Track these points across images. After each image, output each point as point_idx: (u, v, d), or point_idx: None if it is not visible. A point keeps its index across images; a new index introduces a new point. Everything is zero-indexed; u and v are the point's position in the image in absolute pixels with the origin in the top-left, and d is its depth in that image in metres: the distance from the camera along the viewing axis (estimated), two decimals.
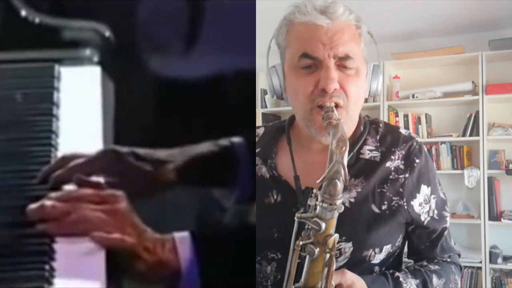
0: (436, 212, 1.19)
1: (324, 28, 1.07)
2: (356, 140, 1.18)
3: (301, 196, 1.13)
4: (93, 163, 1.18)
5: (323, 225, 0.95)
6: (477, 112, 4.06)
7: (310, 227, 0.98)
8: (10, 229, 1.12)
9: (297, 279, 1.01)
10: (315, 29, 1.08)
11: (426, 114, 4.33)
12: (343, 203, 1.10)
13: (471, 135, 4.11)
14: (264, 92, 4.92)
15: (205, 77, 1.34)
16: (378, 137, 1.20)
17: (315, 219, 0.96)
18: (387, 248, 1.15)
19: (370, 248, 1.13)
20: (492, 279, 4.03)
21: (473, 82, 4.10)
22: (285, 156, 1.23)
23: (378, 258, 1.14)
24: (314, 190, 0.98)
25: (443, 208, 1.21)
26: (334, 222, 0.97)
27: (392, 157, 1.16)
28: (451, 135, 4.21)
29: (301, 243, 0.97)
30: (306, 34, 1.09)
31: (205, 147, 1.21)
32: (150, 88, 1.33)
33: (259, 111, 4.86)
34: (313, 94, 1.09)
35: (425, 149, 1.21)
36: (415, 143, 1.19)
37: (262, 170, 1.24)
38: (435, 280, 1.16)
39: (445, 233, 1.23)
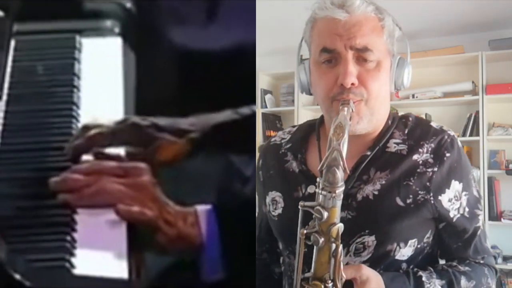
0: (467, 210, 1.15)
1: (341, 21, 1.08)
2: (383, 134, 1.17)
3: None
4: (113, 134, 1.17)
5: (325, 214, 0.95)
6: (477, 112, 4.07)
7: (314, 216, 0.98)
8: (32, 201, 1.11)
9: (308, 269, 1.01)
10: (333, 23, 1.09)
11: (426, 114, 4.33)
12: (367, 196, 1.11)
13: (471, 135, 4.12)
14: (264, 92, 4.92)
15: (224, 50, 1.35)
16: (406, 131, 1.18)
17: (318, 207, 0.96)
18: (412, 243, 1.12)
19: (394, 242, 1.10)
20: None
21: (473, 82, 4.11)
22: (315, 151, 1.24)
23: (404, 253, 1.12)
24: (318, 179, 0.97)
25: (475, 206, 1.17)
26: (336, 210, 0.96)
27: (420, 150, 1.14)
28: None
29: (305, 231, 0.98)
30: (325, 28, 1.11)
31: (226, 115, 1.21)
32: (171, 59, 1.32)
33: (259, 111, 4.85)
34: (332, 90, 1.10)
35: (459, 143, 1.17)
36: (446, 136, 1.15)
37: (293, 165, 1.25)
38: (463, 282, 1.11)
39: (479, 232, 1.17)
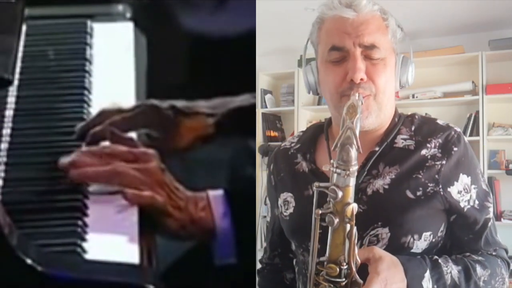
0: (477, 202, 1.16)
1: (350, 20, 1.12)
2: (390, 130, 1.20)
3: None
4: (132, 119, 1.18)
5: (340, 193, 0.97)
6: (477, 112, 4.08)
7: (329, 197, 0.99)
8: (43, 186, 1.11)
9: (323, 254, 1.01)
10: (342, 22, 1.12)
11: (426, 114, 4.32)
12: (377, 190, 1.13)
13: (471, 135, 4.11)
14: (264, 92, 4.92)
15: (234, 35, 1.35)
16: (413, 128, 1.20)
17: (332, 187, 0.97)
18: (427, 236, 1.13)
19: (408, 234, 1.11)
20: None
21: (473, 82, 4.12)
22: (324, 151, 1.26)
23: (418, 246, 1.12)
24: (331, 160, 0.98)
25: (485, 199, 1.18)
26: (350, 190, 0.98)
27: (428, 145, 1.16)
28: None
29: (320, 211, 0.99)
30: (334, 27, 1.14)
31: (244, 99, 1.21)
32: (182, 44, 1.32)
33: (259, 111, 4.85)
34: (341, 86, 1.13)
35: (465, 139, 1.19)
36: (453, 132, 1.18)
37: (303, 165, 1.27)
38: (479, 269, 1.11)
39: (489, 224, 1.18)
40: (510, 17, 3.95)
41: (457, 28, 4.22)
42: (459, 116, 4.28)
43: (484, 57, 4.01)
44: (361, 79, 1.10)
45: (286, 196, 1.27)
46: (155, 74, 1.25)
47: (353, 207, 0.97)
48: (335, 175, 0.97)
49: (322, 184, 1.00)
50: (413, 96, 4.32)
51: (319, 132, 1.32)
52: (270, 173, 1.37)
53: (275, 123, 5.03)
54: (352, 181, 0.97)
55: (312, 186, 1.20)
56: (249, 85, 1.29)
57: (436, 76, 4.37)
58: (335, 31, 1.14)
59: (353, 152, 0.96)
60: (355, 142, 0.95)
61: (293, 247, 1.30)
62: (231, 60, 1.37)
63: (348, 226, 0.98)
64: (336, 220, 0.97)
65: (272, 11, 3.63)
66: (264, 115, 4.91)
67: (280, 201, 1.30)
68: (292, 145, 1.34)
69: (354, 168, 0.96)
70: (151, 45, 1.26)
